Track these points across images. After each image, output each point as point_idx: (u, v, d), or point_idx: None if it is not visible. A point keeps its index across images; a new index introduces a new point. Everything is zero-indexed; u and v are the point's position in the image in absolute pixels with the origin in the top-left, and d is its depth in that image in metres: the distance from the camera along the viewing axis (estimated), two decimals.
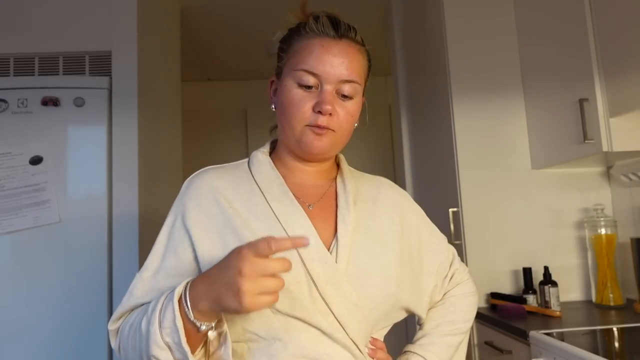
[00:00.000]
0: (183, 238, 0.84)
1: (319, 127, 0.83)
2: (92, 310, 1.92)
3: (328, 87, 0.83)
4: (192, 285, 0.72)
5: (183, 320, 0.71)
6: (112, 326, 0.85)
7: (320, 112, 0.82)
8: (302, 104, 0.83)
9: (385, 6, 2.99)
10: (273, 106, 0.92)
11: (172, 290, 0.74)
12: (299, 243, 0.68)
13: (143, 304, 0.82)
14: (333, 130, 0.84)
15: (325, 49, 0.83)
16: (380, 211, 0.93)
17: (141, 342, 0.75)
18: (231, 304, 0.67)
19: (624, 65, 1.48)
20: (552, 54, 1.82)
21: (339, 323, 0.79)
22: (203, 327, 0.71)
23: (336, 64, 0.83)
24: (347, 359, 0.80)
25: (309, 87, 0.83)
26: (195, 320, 0.71)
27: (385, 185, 1.00)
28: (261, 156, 0.92)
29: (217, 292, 0.69)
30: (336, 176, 0.95)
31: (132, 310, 0.84)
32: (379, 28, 3.33)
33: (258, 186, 0.87)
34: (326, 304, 0.79)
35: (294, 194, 0.86)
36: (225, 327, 0.75)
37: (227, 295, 0.67)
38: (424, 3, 2.33)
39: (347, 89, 0.84)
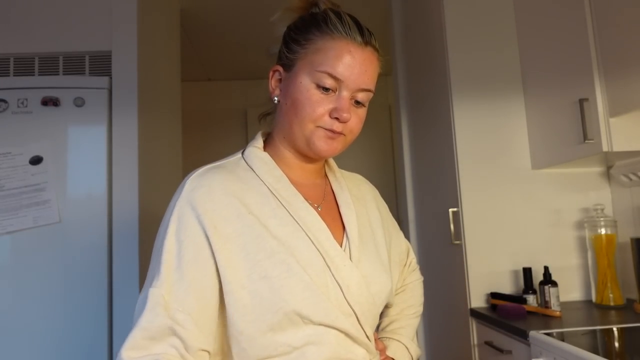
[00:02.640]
0: (202, 246, 0.75)
1: (332, 131, 0.82)
2: (92, 310, 1.92)
3: (346, 94, 0.81)
4: None
5: None
6: (132, 352, 0.70)
7: (337, 119, 0.80)
8: (318, 106, 0.80)
9: (385, 6, 2.99)
10: (276, 98, 0.87)
11: None
12: None
13: (167, 327, 0.72)
14: (344, 135, 0.83)
15: (352, 55, 0.80)
16: (367, 208, 0.96)
17: None
18: None
19: (624, 65, 1.47)
20: (552, 54, 1.82)
21: (359, 323, 0.81)
22: None
23: (360, 72, 0.81)
24: (364, 355, 0.82)
25: (326, 90, 0.80)
26: None
27: (363, 182, 1.03)
28: (260, 153, 0.87)
29: None
30: (325, 172, 0.95)
31: (155, 338, 0.72)
32: (379, 28, 3.32)
33: (267, 187, 0.83)
34: (349, 305, 0.80)
35: (301, 195, 0.85)
36: None
37: None
38: (424, 3, 2.33)
39: (361, 96, 0.83)
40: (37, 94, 1.99)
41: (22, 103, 1.99)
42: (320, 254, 0.79)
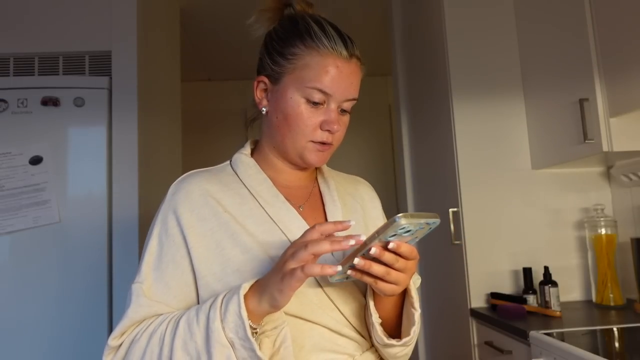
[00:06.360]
0: (179, 246, 0.82)
1: (323, 144, 0.85)
2: (91, 310, 1.92)
3: (334, 106, 0.84)
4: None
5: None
6: (116, 342, 0.78)
7: (328, 131, 0.84)
8: (310, 120, 0.83)
9: (385, 6, 2.99)
10: (264, 109, 0.89)
11: (230, 290, 0.73)
12: (340, 227, 0.69)
13: (146, 318, 0.79)
14: (332, 144, 0.87)
15: (339, 70, 0.83)
16: (362, 206, 0.97)
17: (185, 347, 0.72)
18: (273, 291, 0.68)
19: (624, 65, 1.47)
20: (552, 54, 1.82)
21: (343, 316, 0.82)
22: (257, 329, 0.71)
23: (347, 85, 0.84)
24: (354, 347, 0.83)
25: (315, 104, 0.83)
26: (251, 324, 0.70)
27: (361, 183, 1.04)
28: (245, 158, 0.91)
29: (267, 285, 0.69)
30: (316, 176, 0.98)
31: (136, 323, 0.79)
32: (379, 28, 3.32)
33: (248, 190, 0.87)
34: (331, 300, 0.81)
35: (283, 196, 0.87)
36: (285, 326, 0.74)
37: (273, 283, 0.68)
38: (424, 3, 2.33)
39: (347, 105, 0.86)
40: (37, 94, 1.99)
41: (22, 103, 1.99)
42: None
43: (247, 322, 0.68)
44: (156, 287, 0.80)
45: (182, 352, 0.72)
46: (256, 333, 0.71)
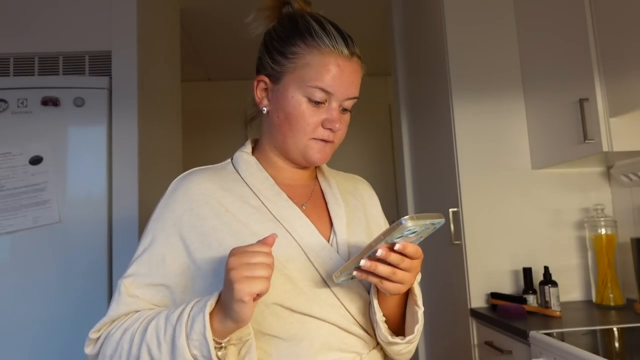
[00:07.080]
0: (174, 247, 0.81)
1: (325, 141, 0.85)
2: (91, 310, 1.92)
3: (335, 104, 0.84)
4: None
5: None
6: (95, 334, 0.80)
7: (330, 129, 0.84)
8: (311, 119, 0.84)
9: (385, 6, 2.99)
10: (265, 109, 0.89)
11: (199, 300, 0.73)
12: (270, 241, 0.70)
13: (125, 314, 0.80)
14: (334, 142, 0.87)
15: (341, 69, 0.83)
16: (362, 204, 0.97)
17: (150, 353, 0.73)
18: (231, 304, 0.67)
19: (624, 65, 1.47)
20: (552, 54, 1.82)
21: (350, 314, 0.82)
22: (223, 343, 0.72)
23: (348, 83, 0.84)
24: (361, 344, 0.83)
25: (317, 103, 0.83)
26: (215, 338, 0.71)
27: (360, 182, 1.05)
28: (247, 157, 0.91)
29: (225, 301, 0.69)
30: (316, 174, 0.98)
31: (114, 320, 0.81)
32: (379, 28, 3.33)
33: (250, 188, 0.86)
34: (337, 297, 0.81)
35: (285, 194, 0.87)
36: (250, 339, 0.74)
37: (228, 298, 0.68)
38: (424, 3, 2.33)
39: (348, 104, 0.86)
40: (37, 94, 2.00)
41: (22, 103, 1.99)
42: (302, 249, 0.81)
43: (212, 343, 0.69)
44: (142, 286, 0.81)
45: (148, 357, 0.73)
46: (223, 347, 0.72)
